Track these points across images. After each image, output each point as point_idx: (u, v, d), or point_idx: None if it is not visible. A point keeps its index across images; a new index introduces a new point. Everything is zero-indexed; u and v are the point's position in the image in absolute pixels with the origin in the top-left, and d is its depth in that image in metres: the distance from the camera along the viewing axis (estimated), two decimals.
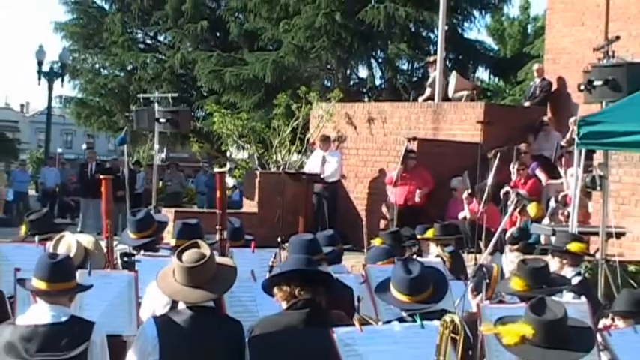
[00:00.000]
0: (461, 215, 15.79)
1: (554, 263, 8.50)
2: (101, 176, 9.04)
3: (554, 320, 4.50)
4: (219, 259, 6.39)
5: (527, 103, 20.26)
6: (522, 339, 4.47)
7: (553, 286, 7.20)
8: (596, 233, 11.11)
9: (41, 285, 5.76)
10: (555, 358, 4.45)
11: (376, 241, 10.14)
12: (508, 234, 10.74)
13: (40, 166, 36.24)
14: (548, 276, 7.42)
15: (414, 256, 8.81)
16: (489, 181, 14.93)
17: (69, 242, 8.10)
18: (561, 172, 15.93)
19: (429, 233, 9.85)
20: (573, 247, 8.91)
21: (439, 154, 17.54)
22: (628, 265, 11.26)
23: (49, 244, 8.16)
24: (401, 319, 6.36)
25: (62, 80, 35.48)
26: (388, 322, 6.60)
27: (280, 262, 8.28)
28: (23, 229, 9.88)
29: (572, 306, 4.89)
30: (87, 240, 8.30)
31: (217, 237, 7.65)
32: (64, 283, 5.80)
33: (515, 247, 9.73)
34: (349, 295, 7.31)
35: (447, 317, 5.13)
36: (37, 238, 8.99)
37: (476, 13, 32.49)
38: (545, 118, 18.83)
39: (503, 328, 4.56)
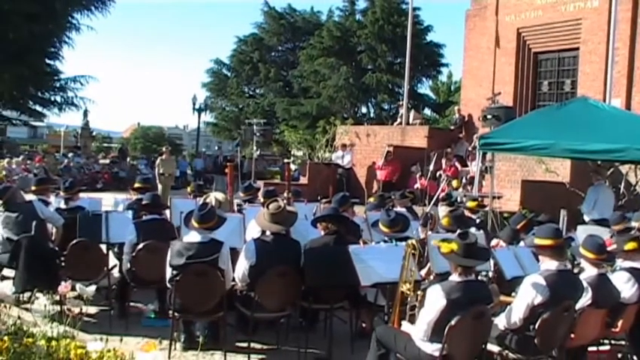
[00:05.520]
0: (415, 186, 15.61)
1: (465, 212, 8.39)
2: (227, 163, 9.12)
3: (470, 243, 4.46)
4: (288, 207, 6.39)
5: (452, 127, 20.03)
6: (451, 251, 4.44)
7: (464, 225, 7.13)
8: (487, 196, 11.00)
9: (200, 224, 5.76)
10: (467, 263, 4.41)
11: (371, 199, 10.05)
12: (441, 196, 10.60)
13: (193, 158, 36.24)
14: (463, 219, 7.35)
15: (391, 208, 8.70)
16: (431, 168, 14.83)
17: (211, 197, 8.18)
18: (469, 163, 15.78)
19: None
20: (475, 204, 8.82)
21: (404, 154, 17.30)
22: (504, 213, 11.18)
23: (200, 199, 8.21)
24: (385, 242, 6.34)
25: (205, 113, 35.96)
26: (378, 242, 6.57)
27: (320, 210, 8.28)
28: (189, 189, 9.96)
29: (477, 235, 4.81)
30: (221, 196, 8.34)
31: (286, 196, 7.67)
32: (207, 223, 5.78)
33: (445, 203, 9.58)
34: (357, 228, 7.28)
35: (409, 241, 5.09)
36: (192, 195, 9.11)
37: (424, 79, 33.09)
38: (461, 135, 18.65)
39: (443, 243, 4.52)
